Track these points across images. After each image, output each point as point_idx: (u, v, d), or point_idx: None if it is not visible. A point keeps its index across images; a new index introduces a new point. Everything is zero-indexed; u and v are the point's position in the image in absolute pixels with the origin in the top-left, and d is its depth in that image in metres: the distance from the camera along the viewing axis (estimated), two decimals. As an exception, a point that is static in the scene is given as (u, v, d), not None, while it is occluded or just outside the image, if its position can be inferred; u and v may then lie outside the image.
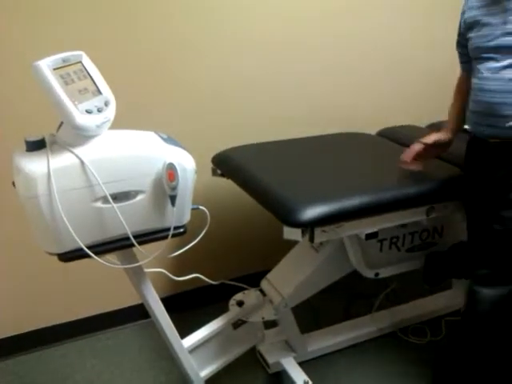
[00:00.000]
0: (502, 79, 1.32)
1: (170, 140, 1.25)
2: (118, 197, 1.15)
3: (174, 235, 1.26)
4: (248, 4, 1.99)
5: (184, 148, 1.24)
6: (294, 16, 2.08)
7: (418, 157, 1.56)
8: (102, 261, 1.18)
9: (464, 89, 1.55)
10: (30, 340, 2.06)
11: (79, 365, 2.00)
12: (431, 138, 1.57)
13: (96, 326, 2.16)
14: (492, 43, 1.34)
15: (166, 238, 1.26)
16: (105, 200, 1.13)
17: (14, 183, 1.09)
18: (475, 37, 1.40)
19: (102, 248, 1.18)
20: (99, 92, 1.15)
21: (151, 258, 1.24)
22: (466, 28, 1.45)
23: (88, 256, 1.15)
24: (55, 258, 1.16)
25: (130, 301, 2.14)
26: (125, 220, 1.16)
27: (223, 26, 1.98)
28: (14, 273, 1.95)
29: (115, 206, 1.14)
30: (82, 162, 1.09)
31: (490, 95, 1.36)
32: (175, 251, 1.33)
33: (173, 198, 1.21)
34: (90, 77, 1.15)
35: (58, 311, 2.08)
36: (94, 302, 2.14)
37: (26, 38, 1.70)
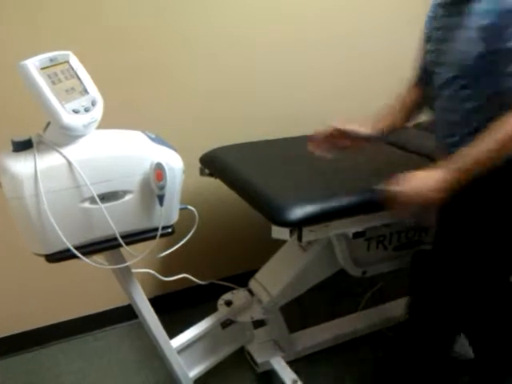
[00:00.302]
0: (442, 96, 1.30)
1: (157, 139, 1.25)
2: (105, 197, 1.14)
3: (162, 235, 1.26)
4: (242, 3, 2.00)
5: (172, 147, 1.24)
6: (286, 15, 2.09)
7: (327, 142, 1.48)
8: (89, 261, 1.17)
9: (409, 94, 1.51)
10: (18, 342, 2.04)
11: (67, 366, 1.99)
12: (346, 126, 1.45)
13: (84, 327, 2.15)
14: (438, 59, 1.30)
15: (154, 238, 1.25)
16: (92, 200, 1.13)
17: None
18: (428, 51, 1.36)
19: (90, 249, 1.18)
20: (86, 92, 1.14)
21: (139, 259, 1.24)
22: (425, 40, 1.39)
23: (75, 257, 1.15)
24: (42, 258, 1.16)
25: (118, 301, 2.13)
26: (113, 220, 1.15)
27: (214, 24, 1.98)
28: (0, 274, 1.94)
29: (103, 206, 1.13)
30: (70, 163, 1.09)
31: (434, 112, 1.35)
32: (163, 251, 1.33)
33: (161, 198, 1.21)
34: (77, 76, 1.14)
35: (45, 313, 2.07)
36: (81, 303, 2.12)
37: (11, 37, 1.69)
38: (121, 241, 1.19)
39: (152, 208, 1.23)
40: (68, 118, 1.08)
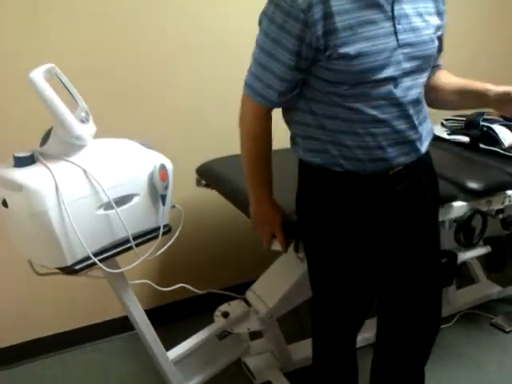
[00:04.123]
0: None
1: (146, 145, 1.31)
2: (117, 201, 1.18)
3: (163, 233, 1.31)
4: (242, 9, 2.01)
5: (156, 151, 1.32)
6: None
7: None
8: (104, 267, 1.19)
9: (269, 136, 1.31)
10: (14, 353, 2.03)
11: (63, 378, 1.97)
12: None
13: (81, 338, 2.14)
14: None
15: (157, 237, 1.30)
16: (107, 206, 1.16)
17: (4, 202, 1.07)
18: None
19: (105, 255, 1.20)
20: (77, 103, 1.16)
21: (137, 263, 1.25)
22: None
23: (93, 265, 1.16)
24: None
25: (115, 313, 2.12)
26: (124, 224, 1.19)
27: (209, 36, 1.99)
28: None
29: (118, 210, 1.16)
30: (85, 171, 1.11)
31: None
32: (155, 259, 1.33)
33: (163, 198, 1.27)
34: (67, 88, 1.16)
35: (42, 324, 2.06)
36: (78, 314, 2.11)
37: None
38: (133, 243, 1.23)
39: (155, 208, 1.29)
40: (80, 128, 1.11)
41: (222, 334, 1.74)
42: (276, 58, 1.10)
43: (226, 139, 2.12)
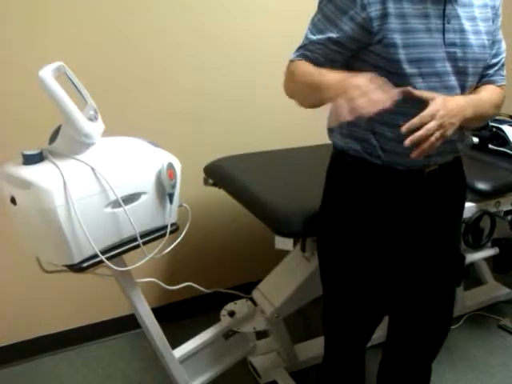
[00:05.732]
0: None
1: (154, 143, 1.31)
2: (125, 200, 1.18)
3: (170, 232, 1.31)
4: (243, 10, 2.01)
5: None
6: (290, 23, 2.10)
7: None
8: (111, 265, 1.19)
9: None
10: (20, 351, 2.04)
11: (70, 375, 1.98)
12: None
13: (87, 336, 2.15)
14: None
15: (164, 235, 1.30)
16: (115, 204, 1.16)
17: (12, 200, 1.07)
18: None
19: (112, 253, 1.20)
20: (85, 101, 1.16)
21: (142, 262, 1.25)
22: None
23: (100, 262, 1.16)
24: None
25: (122, 311, 2.13)
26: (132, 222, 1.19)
27: (216, 35, 1.99)
28: (1, 283, 1.94)
29: (126, 208, 1.16)
30: (93, 169, 1.11)
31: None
32: (164, 256, 1.33)
33: (171, 196, 1.27)
34: (75, 86, 1.16)
35: (48, 321, 2.07)
36: (84, 312, 2.12)
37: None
38: (140, 241, 1.22)
39: (163, 206, 1.28)
40: (89, 127, 1.11)
41: (228, 333, 1.74)
42: (324, 33, 1.13)
43: (233, 138, 2.14)
